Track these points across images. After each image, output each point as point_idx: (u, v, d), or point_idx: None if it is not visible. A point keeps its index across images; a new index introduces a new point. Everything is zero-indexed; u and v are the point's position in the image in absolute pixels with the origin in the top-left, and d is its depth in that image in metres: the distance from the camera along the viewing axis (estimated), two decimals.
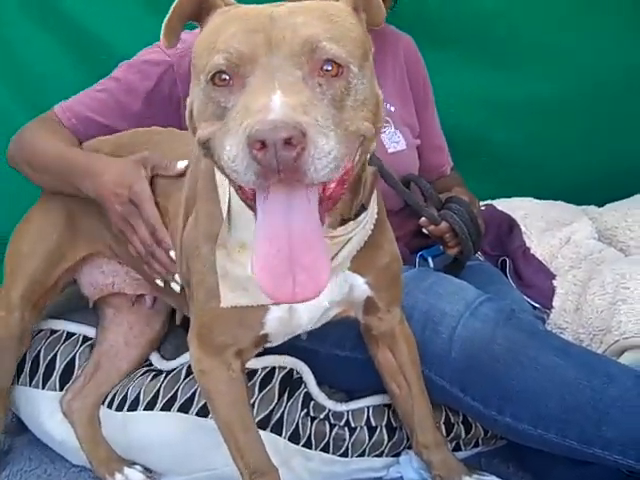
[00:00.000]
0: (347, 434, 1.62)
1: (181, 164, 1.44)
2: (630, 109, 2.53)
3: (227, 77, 0.95)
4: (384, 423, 1.63)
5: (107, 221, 1.55)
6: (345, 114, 0.95)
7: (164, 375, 1.70)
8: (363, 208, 1.22)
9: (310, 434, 1.61)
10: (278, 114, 0.85)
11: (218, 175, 1.20)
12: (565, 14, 2.40)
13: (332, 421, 1.63)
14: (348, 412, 1.65)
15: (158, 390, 1.66)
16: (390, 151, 1.91)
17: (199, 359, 1.34)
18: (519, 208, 2.37)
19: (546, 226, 2.28)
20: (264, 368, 1.65)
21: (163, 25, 1.05)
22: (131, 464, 1.68)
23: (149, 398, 1.65)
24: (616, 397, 1.37)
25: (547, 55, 2.46)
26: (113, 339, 1.77)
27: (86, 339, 1.82)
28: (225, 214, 1.17)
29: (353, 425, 1.63)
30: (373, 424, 1.63)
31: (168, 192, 1.46)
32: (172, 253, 1.43)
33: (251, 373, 1.62)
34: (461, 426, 1.66)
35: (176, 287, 1.47)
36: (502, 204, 2.40)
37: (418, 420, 1.52)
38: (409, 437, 1.58)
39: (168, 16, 1.05)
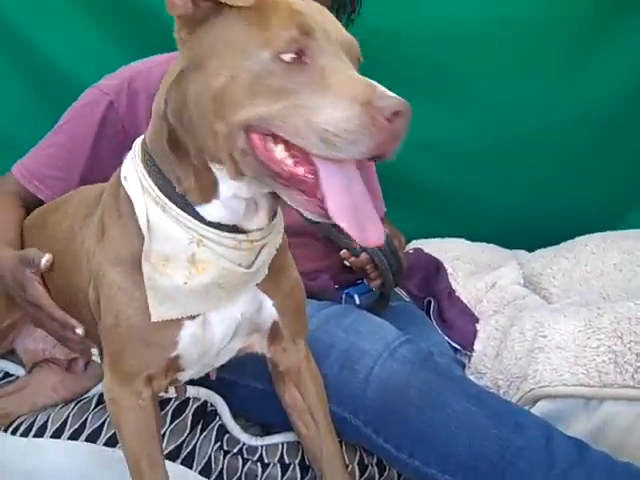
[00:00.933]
0: (260, 470, 1.60)
1: (44, 260, 1.44)
2: (558, 158, 2.60)
3: (301, 54, 0.98)
4: (297, 461, 1.61)
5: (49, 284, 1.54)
6: None
7: (74, 403, 1.67)
8: (274, 212, 1.23)
9: (222, 468, 1.59)
10: (392, 93, 0.93)
11: (133, 192, 1.18)
12: (500, 61, 2.46)
13: (245, 456, 1.61)
14: (262, 447, 1.63)
15: (67, 418, 1.62)
16: None
17: (110, 388, 1.31)
18: (450, 249, 2.41)
19: (474, 269, 2.32)
20: (177, 398, 1.63)
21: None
22: None
23: (57, 425, 1.61)
24: (522, 447, 1.39)
25: (483, 97, 2.52)
26: (42, 380, 1.73)
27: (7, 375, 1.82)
28: (145, 229, 1.15)
29: (266, 461, 1.61)
30: (287, 461, 1.62)
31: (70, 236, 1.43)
32: (79, 330, 1.42)
33: (164, 402, 1.60)
34: (375, 468, 1.65)
35: (96, 359, 1.47)
36: (435, 244, 2.45)
37: (327, 461, 1.49)
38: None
39: None
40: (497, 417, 1.44)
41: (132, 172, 1.19)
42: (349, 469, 1.62)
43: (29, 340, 1.73)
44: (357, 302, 1.92)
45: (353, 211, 0.99)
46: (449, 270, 2.26)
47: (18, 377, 1.81)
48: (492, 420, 1.43)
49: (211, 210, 1.14)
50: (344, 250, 1.82)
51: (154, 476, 1.31)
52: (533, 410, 1.69)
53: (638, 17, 2.41)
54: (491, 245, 2.55)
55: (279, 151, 1.01)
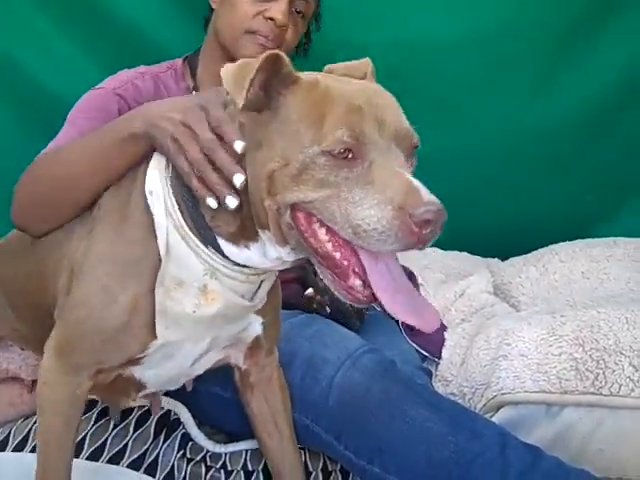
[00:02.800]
0: (223, 477, 1.61)
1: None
2: (530, 168, 2.63)
3: (348, 152, 1.03)
4: (261, 467, 1.62)
5: (13, 305, 1.55)
6: None
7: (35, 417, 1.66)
8: None
9: (185, 476, 1.59)
10: (431, 197, 1.00)
11: (158, 211, 1.19)
12: (473, 74, 2.49)
13: (209, 463, 1.62)
14: (226, 454, 1.64)
15: (29, 431, 1.62)
16: None
17: (48, 370, 1.28)
18: (422, 258, 2.44)
19: (444, 278, 2.34)
20: (140, 407, 1.64)
21: (238, 91, 1.07)
22: None
23: (19, 439, 1.61)
24: (478, 453, 1.41)
25: (455, 110, 2.54)
26: None
27: None
28: (163, 251, 1.17)
29: (230, 468, 1.62)
30: (250, 468, 1.63)
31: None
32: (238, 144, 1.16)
33: (127, 411, 1.61)
34: (339, 474, 1.66)
35: (233, 202, 1.16)
36: (406, 253, 2.44)
37: (289, 470, 1.52)
38: None
39: (246, 85, 1.06)
40: (454, 424, 1.46)
41: (159, 189, 1.20)
42: (312, 476, 1.64)
43: None
44: (327, 311, 1.94)
45: (407, 304, 1.08)
46: (419, 280, 2.28)
47: None
48: (448, 427, 1.45)
49: (239, 253, 1.19)
50: (310, 290, 1.87)
51: (57, 469, 1.30)
52: (496, 417, 1.72)
53: (615, 26, 2.45)
54: (463, 253, 2.58)
55: (321, 233, 1.09)
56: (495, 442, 1.43)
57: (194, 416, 1.70)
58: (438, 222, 1.00)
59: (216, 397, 1.66)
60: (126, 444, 1.60)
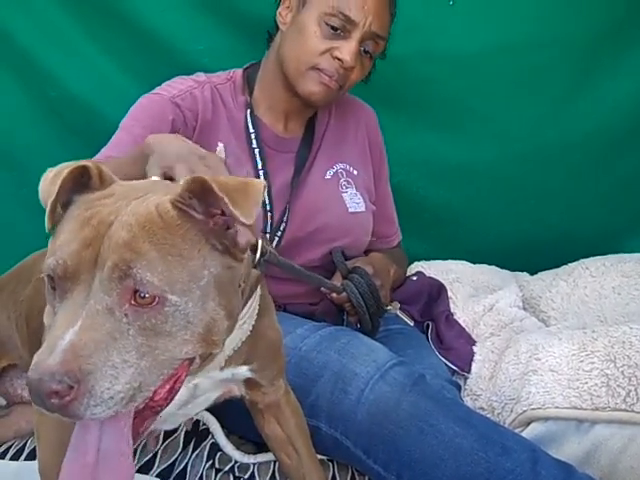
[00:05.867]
0: None
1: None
2: (560, 180, 2.62)
3: (53, 285, 0.95)
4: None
5: (21, 335, 1.56)
6: (158, 341, 0.92)
7: None
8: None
9: None
10: (54, 359, 0.84)
11: None
12: (503, 84, 2.48)
13: (237, 474, 1.62)
14: (254, 465, 1.64)
15: None
16: (350, 211, 2.02)
17: None
18: (452, 271, 2.42)
19: (473, 292, 2.33)
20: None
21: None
22: None
23: (32, 448, 1.62)
24: (509, 470, 1.40)
25: (485, 121, 2.53)
26: (27, 407, 1.74)
27: None
28: None
29: (258, 479, 1.63)
30: (278, 479, 1.64)
31: None
32: None
33: None
34: None
35: None
36: (436, 266, 2.46)
37: None
38: None
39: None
40: (484, 440, 1.45)
41: None
42: None
43: (9, 384, 1.76)
44: (358, 325, 1.94)
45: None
46: (449, 293, 2.27)
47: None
48: (479, 443, 1.44)
49: None
50: (323, 288, 1.88)
51: None
52: (526, 432, 1.70)
53: None
54: (492, 267, 2.56)
55: None
56: (526, 458, 1.42)
57: (223, 426, 1.71)
58: (39, 391, 0.83)
59: (244, 406, 1.66)
60: (155, 453, 1.61)
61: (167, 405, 1.02)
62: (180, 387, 1.02)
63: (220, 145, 1.83)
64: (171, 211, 0.96)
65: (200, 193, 0.96)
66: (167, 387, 0.99)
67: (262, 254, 1.21)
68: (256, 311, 1.28)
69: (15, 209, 2.38)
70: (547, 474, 1.39)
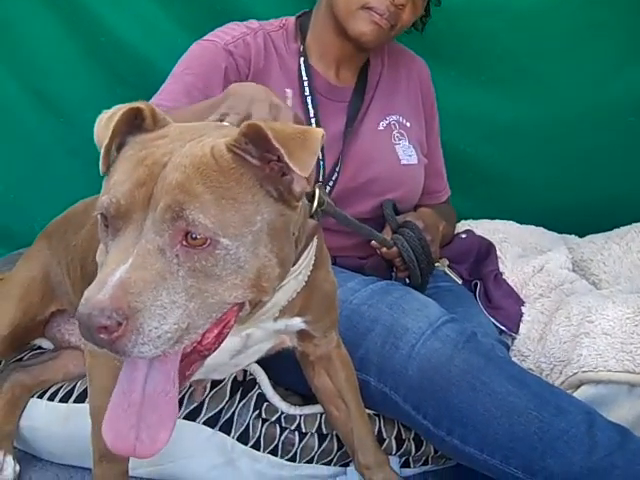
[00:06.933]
0: (297, 439, 1.62)
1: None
2: (613, 142, 2.54)
3: (106, 223, 0.95)
4: (335, 432, 1.62)
5: (73, 280, 1.58)
6: (208, 284, 0.91)
7: None
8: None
9: (260, 436, 1.61)
10: (104, 295, 0.84)
11: None
12: (559, 42, 2.40)
13: (283, 424, 1.63)
14: (301, 417, 1.65)
15: None
16: (403, 162, 1.98)
17: None
18: (499, 231, 2.37)
19: (522, 252, 2.28)
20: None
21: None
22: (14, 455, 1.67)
23: (81, 391, 1.65)
24: (563, 430, 1.37)
25: (538, 79, 2.47)
26: (75, 350, 1.78)
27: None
28: None
29: (304, 430, 1.63)
30: (324, 431, 1.64)
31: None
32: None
33: None
34: (412, 442, 1.67)
35: None
36: (484, 225, 2.41)
37: (358, 441, 1.50)
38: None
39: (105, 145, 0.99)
40: (538, 400, 1.42)
41: None
42: (386, 443, 1.63)
43: (56, 330, 1.79)
44: (407, 281, 1.92)
45: (118, 418, 0.97)
46: (498, 253, 2.23)
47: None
48: (533, 402, 1.42)
49: None
50: (373, 242, 1.85)
51: None
52: (575, 394, 1.67)
53: None
54: (540, 228, 2.50)
55: None
56: (582, 420, 1.39)
57: (270, 377, 1.70)
58: (88, 326, 0.84)
59: (292, 358, 1.65)
60: (202, 401, 1.61)
61: (215, 350, 1.01)
62: (228, 332, 1.01)
63: (289, 91, 1.79)
64: (226, 155, 0.94)
65: (256, 139, 0.94)
66: (215, 331, 0.98)
67: (319, 204, 1.18)
68: (312, 262, 1.26)
69: (63, 157, 2.38)
70: (603, 436, 1.37)
